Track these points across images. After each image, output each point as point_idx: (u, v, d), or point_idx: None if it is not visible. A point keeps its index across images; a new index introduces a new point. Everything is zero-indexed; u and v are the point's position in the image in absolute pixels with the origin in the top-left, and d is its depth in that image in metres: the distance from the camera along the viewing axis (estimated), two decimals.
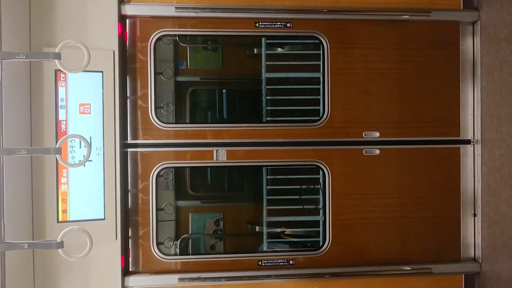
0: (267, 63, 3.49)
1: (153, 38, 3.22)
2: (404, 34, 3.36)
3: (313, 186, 3.48)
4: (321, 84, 3.34)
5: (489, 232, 3.27)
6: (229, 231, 3.83)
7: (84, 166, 2.93)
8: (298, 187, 3.52)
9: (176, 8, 3.14)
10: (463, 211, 3.42)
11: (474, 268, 3.37)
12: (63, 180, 2.97)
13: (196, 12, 3.17)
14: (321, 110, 3.34)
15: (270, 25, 3.27)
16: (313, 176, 3.47)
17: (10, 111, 2.70)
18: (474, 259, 3.42)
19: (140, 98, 3.22)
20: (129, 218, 3.22)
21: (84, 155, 2.68)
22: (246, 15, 3.22)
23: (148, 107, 3.21)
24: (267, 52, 3.49)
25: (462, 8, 3.37)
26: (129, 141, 3.21)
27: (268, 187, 3.54)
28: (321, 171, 3.35)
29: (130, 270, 3.22)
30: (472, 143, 3.42)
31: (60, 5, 3.02)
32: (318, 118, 3.33)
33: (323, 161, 3.32)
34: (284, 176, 3.54)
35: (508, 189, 3.06)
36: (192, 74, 3.83)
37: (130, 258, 3.21)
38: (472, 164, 3.42)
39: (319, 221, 3.44)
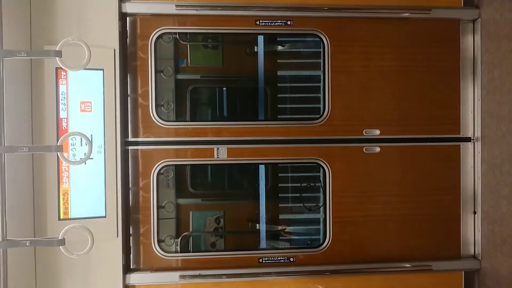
0: (268, 61, 3.49)
1: (153, 36, 3.22)
2: (404, 32, 3.36)
3: (313, 184, 3.49)
4: (322, 82, 3.34)
5: (489, 229, 3.28)
6: (230, 228, 3.84)
7: (85, 164, 2.93)
8: (299, 185, 3.53)
9: (177, 6, 3.14)
10: (463, 208, 3.43)
11: (474, 265, 3.38)
12: (64, 178, 2.98)
13: (196, 10, 3.17)
14: (321, 108, 3.34)
15: (270, 23, 3.27)
16: (314, 174, 3.48)
17: (11, 109, 2.71)
18: (474, 256, 3.43)
19: (141, 96, 3.22)
20: (130, 215, 3.23)
21: (85, 153, 2.68)
22: (247, 13, 3.22)
23: (148, 105, 3.21)
24: (267, 50, 3.49)
25: (462, 6, 3.37)
26: (130, 138, 3.22)
27: (269, 185, 3.54)
28: (321, 169, 3.35)
29: (131, 267, 3.23)
30: (472, 140, 3.42)
31: (60, 3, 3.02)
32: (318, 116, 3.33)
33: (323, 159, 3.33)
34: (285, 174, 3.55)
35: (508, 186, 3.06)
36: (192, 72, 3.83)
37: (131, 255, 3.22)
38: (472, 162, 3.42)
39: (319, 218, 3.45)
